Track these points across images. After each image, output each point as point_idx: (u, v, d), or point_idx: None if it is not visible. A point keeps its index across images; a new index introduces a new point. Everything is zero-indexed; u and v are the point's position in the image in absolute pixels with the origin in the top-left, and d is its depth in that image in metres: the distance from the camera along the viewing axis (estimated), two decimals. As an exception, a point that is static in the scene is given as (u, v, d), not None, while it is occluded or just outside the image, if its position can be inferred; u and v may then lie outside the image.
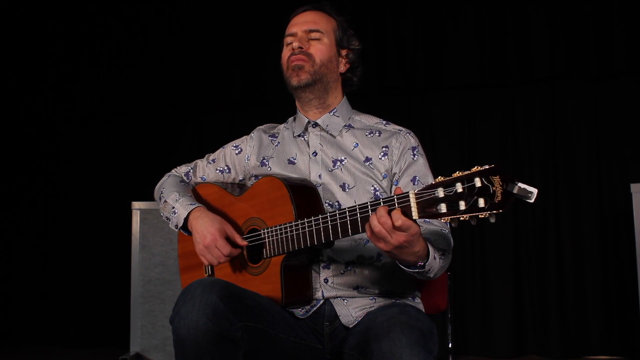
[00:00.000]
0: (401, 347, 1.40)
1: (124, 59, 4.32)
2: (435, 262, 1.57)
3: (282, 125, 2.00)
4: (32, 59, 4.48)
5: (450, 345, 2.24)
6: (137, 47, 4.30)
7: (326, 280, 1.73)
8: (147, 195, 2.38)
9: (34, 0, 4.47)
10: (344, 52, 1.89)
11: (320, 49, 1.84)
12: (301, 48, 1.83)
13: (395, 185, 1.80)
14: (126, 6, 4.34)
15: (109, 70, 4.34)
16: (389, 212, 1.41)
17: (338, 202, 1.78)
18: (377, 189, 1.78)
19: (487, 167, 1.29)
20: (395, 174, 1.81)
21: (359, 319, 1.70)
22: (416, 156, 1.82)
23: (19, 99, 4.50)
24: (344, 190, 1.78)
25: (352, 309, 1.72)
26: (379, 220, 1.42)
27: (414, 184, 1.78)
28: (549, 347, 3.56)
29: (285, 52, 1.88)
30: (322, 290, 1.73)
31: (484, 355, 3.67)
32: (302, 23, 1.86)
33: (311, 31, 1.85)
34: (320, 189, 1.77)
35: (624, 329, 3.45)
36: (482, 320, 3.70)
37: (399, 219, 1.39)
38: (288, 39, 1.88)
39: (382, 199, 1.45)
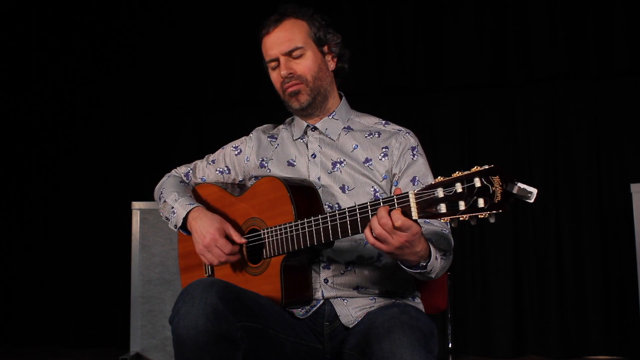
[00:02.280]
0: (402, 347, 1.40)
1: (124, 58, 4.32)
2: (437, 263, 1.57)
3: (281, 126, 1.99)
4: (32, 59, 4.48)
5: (450, 345, 2.24)
6: (137, 46, 4.30)
7: (326, 281, 1.73)
8: (147, 195, 2.38)
9: (34, 0, 4.48)
10: (326, 49, 1.86)
11: (308, 66, 1.80)
12: (291, 74, 1.80)
13: (395, 185, 1.79)
14: (126, 6, 4.34)
15: (109, 70, 4.34)
16: (389, 213, 1.41)
17: (338, 204, 1.77)
18: (377, 190, 1.78)
19: (486, 167, 1.29)
20: (395, 174, 1.80)
21: (359, 319, 1.69)
22: (416, 156, 1.82)
23: (18, 99, 4.50)
24: (343, 191, 1.78)
25: (352, 309, 1.72)
26: (379, 222, 1.41)
27: (413, 184, 1.77)
28: (549, 347, 3.56)
29: (275, 78, 1.85)
30: (322, 291, 1.73)
31: (484, 355, 3.67)
32: (278, 45, 1.80)
33: (291, 51, 1.80)
34: (319, 192, 1.77)
35: (624, 329, 3.45)
36: (482, 320, 3.69)
37: (398, 219, 1.39)
38: (272, 64, 1.84)
39: (382, 199, 1.45)
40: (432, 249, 1.54)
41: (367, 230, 1.46)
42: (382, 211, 1.41)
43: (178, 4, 4.27)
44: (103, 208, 4.29)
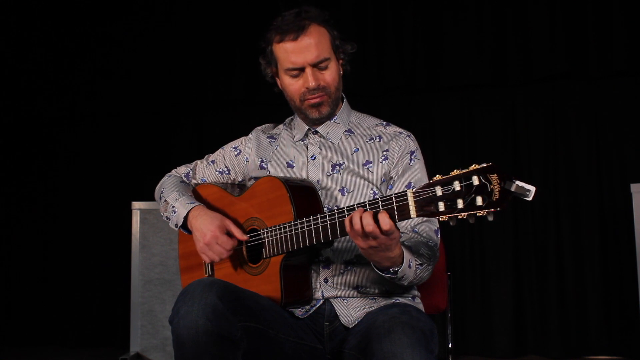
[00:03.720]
0: (402, 347, 1.41)
1: (124, 58, 4.32)
2: (409, 271, 1.57)
3: (281, 126, 1.99)
4: (32, 59, 4.47)
5: (450, 345, 2.24)
6: (137, 46, 4.30)
7: (326, 280, 1.73)
8: (147, 195, 2.38)
9: (33, 0, 4.48)
10: (340, 55, 1.84)
11: (333, 77, 1.77)
12: (318, 85, 1.75)
13: (390, 189, 1.80)
14: (127, 5, 4.34)
15: (109, 70, 4.34)
16: (375, 216, 1.42)
17: (337, 206, 1.76)
18: (376, 192, 1.78)
19: (484, 165, 1.29)
20: (391, 177, 1.80)
21: (359, 319, 1.69)
22: (413, 161, 1.81)
23: (18, 99, 4.50)
24: (342, 194, 1.78)
25: (352, 309, 1.72)
26: (365, 229, 1.42)
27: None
28: (549, 347, 3.56)
29: (296, 88, 1.77)
30: (321, 290, 1.73)
31: (484, 355, 3.67)
32: (305, 54, 1.72)
33: (319, 62, 1.74)
34: (319, 194, 1.76)
35: (624, 329, 3.45)
36: (482, 320, 3.69)
37: (387, 223, 1.40)
38: (293, 72, 1.75)
39: (380, 198, 1.46)
40: (407, 256, 1.54)
41: (347, 221, 1.46)
42: (368, 217, 1.42)
43: (179, 3, 4.27)
44: (103, 208, 4.29)
